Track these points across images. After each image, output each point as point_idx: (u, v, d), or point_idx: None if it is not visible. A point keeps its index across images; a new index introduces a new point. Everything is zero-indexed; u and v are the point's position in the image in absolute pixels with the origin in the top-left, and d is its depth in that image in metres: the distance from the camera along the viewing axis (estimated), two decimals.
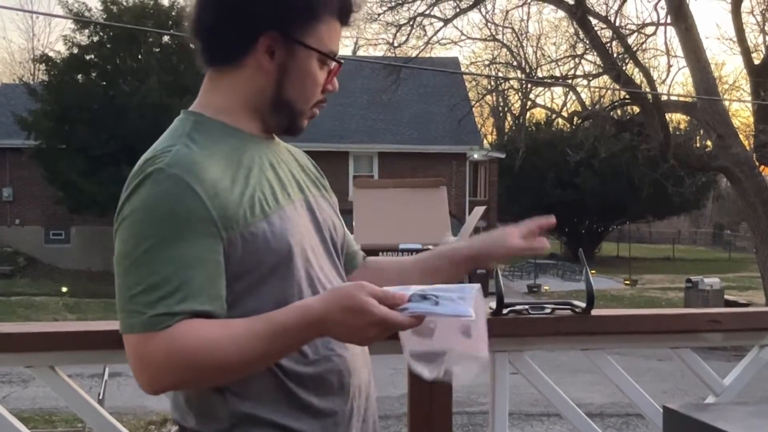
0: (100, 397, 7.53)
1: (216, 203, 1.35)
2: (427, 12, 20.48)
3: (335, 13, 1.51)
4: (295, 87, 1.51)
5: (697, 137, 24.77)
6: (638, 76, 19.75)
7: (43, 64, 27.12)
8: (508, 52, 24.44)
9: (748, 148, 17.95)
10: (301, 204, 1.54)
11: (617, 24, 19.01)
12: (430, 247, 1.94)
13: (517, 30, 24.18)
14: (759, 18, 20.10)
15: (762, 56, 18.54)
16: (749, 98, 19.36)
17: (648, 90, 18.79)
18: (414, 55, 21.47)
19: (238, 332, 1.31)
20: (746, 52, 18.26)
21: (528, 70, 23.11)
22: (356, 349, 1.54)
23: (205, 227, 1.34)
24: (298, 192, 1.55)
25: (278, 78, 1.49)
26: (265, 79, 1.49)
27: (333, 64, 1.54)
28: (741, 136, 19.05)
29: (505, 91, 30.89)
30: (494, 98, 41.78)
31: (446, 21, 20.73)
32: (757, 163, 17.58)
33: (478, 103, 31.25)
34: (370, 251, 1.88)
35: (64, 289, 22.81)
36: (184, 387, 1.38)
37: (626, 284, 29.64)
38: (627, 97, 19.95)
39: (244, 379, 1.38)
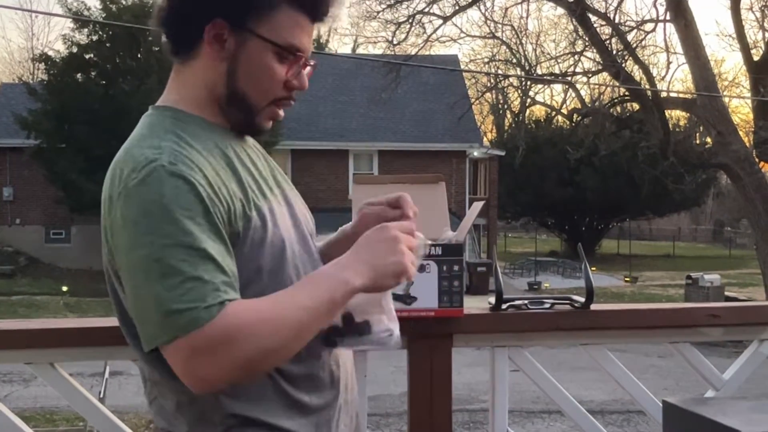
0: (101, 396, 7.54)
1: (218, 199, 1.33)
2: (427, 9, 20.49)
3: (300, 5, 1.44)
4: (248, 79, 1.44)
5: (697, 134, 24.77)
6: (638, 73, 19.75)
7: (43, 64, 27.11)
8: (507, 50, 24.48)
9: (747, 144, 17.95)
10: (281, 198, 1.52)
11: (616, 21, 19.01)
12: (429, 242, 1.93)
13: (516, 27, 24.23)
14: (758, 14, 20.09)
15: (761, 52, 18.54)
16: (749, 95, 19.35)
17: (647, 87, 18.78)
18: (413, 52, 21.47)
19: (281, 298, 1.32)
20: (746, 49, 18.26)
21: (527, 68, 23.12)
22: None
23: (214, 223, 1.31)
24: (276, 187, 1.53)
25: (229, 69, 1.44)
26: (217, 69, 1.44)
27: (299, 59, 1.45)
28: (741, 133, 19.05)
29: (505, 89, 30.96)
30: (494, 96, 41.77)
31: (445, 18, 20.73)
32: (757, 160, 17.58)
33: (477, 101, 31.28)
34: None
35: (65, 289, 22.83)
36: (246, 366, 1.27)
37: (626, 281, 29.66)
38: (627, 94, 19.95)
39: None
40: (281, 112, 1.51)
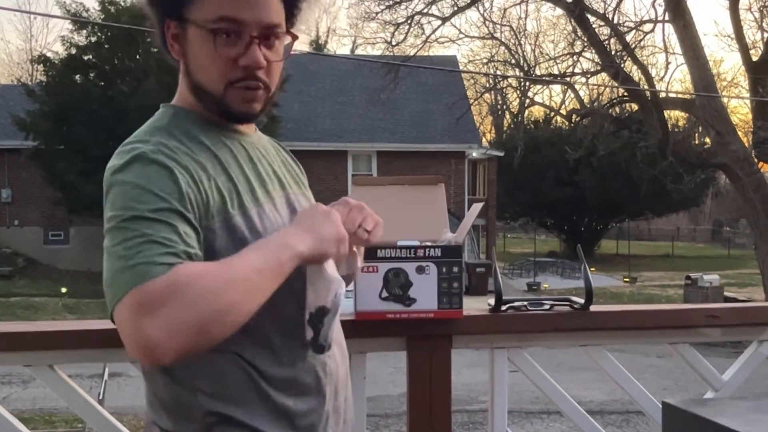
0: (100, 397, 7.54)
1: (196, 190, 1.34)
2: (425, 10, 20.49)
3: None
4: (197, 68, 1.44)
5: (696, 134, 24.77)
6: (636, 74, 19.77)
7: (41, 65, 27.10)
8: (506, 50, 24.48)
9: (746, 144, 17.96)
10: (282, 202, 1.52)
11: (615, 21, 19.01)
12: (428, 243, 1.94)
13: (515, 28, 24.25)
14: (757, 14, 20.09)
15: (760, 53, 18.54)
16: (748, 95, 19.36)
17: (646, 87, 18.79)
18: (412, 53, 21.48)
19: (230, 260, 1.29)
20: (744, 49, 18.26)
21: (526, 68, 23.12)
22: (333, 347, 1.51)
23: (188, 209, 1.31)
24: (279, 189, 1.53)
25: (185, 62, 1.46)
26: (183, 67, 1.48)
27: (240, 35, 1.40)
28: (740, 133, 19.06)
29: (504, 89, 30.96)
30: (493, 96, 41.79)
31: (444, 19, 20.73)
32: (755, 160, 17.58)
33: (476, 102, 31.26)
34: (368, 248, 1.89)
35: (64, 290, 22.81)
36: (196, 327, 1.19)
37: (625, 282, 29.67)
38: (625, 94, 19.96)
39: (218, 379, 1.36)
40: (253, 93, 1.45)
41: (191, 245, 1.28)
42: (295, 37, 1.50)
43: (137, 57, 26.25)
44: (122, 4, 26.59)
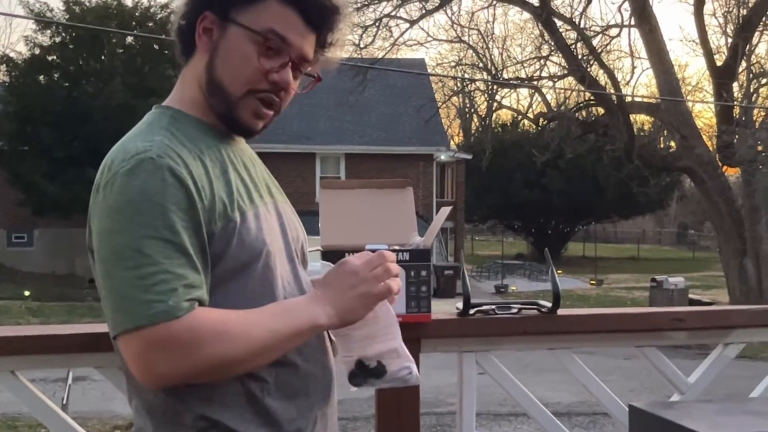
0: (64, 402, 7.44)
1: (201, 196, 1.34)
2: (393, 13, 20.51)
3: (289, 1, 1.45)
4: (224, 66, 1.45)
5: (661, 138, 25.06)
6: (603, 78, 19.95)
7: (4, 66, 26.76)
8: (474, 54, 24.58)
9: (711, 148, 18.21)
10: (272, 206, 1.53)
11: (582, 26, 19.19)
12: (396, 247, 1.93)
13: (482, 32, 24.39)
14: (721, 20, 20.38)
15: (724, 57, 18.81)
16: (712, 99, 19.62)
17: (612, 91, 18.97)
18: (380, 56, 21.49)
19: (250, 315, 1.34)
20: (709, 54, 18.51)
21: (494, 72, 23.23)
22: (321, 354, 1.53)
23: (195, 219, 1.32)
24: (268, 195, 1.53)
25: (210, 57, 1.46)
26: (203, 60, 1.47)
27: (282, 52, 1.45)
28: (704, 137, 19.33)
29: (471, 93, 31.03)
30: (460, 99, 41.92)
31: (412, 22, 20.78)
32: (720, 164, 17.83)
33: (444, 105, 31.32)
34: (336, 252, 1.88)
35: (27, 293, 22.48)
36: (202, 372, 1.29)
37: (592, 284, 29.90)
38: (592, 98, 20.14)
39: (208, 384, 1.35)
40: (265, 111, 1.49)
41: (199, 269, 1.31)
42: (319, 79, 1.55)
43: (102, 58, 26.01)
44: (87, 4, 26.33)
